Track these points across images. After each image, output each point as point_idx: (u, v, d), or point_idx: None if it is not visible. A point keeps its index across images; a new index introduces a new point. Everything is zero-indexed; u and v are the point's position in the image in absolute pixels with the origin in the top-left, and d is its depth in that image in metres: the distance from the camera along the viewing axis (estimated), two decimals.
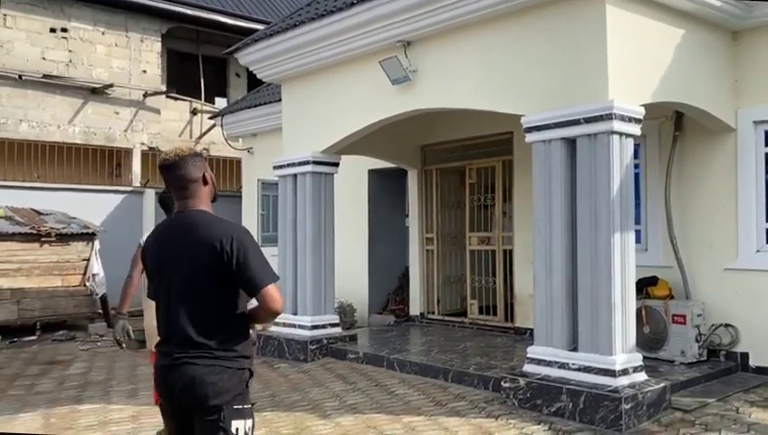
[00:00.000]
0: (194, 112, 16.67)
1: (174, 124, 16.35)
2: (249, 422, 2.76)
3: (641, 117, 5.45)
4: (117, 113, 15.09)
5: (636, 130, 5.43)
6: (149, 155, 15.45)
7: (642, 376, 5.34)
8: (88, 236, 11.21)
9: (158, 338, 2.86)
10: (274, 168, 8.58)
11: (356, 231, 10.42)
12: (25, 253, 10.50)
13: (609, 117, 5.21)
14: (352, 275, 10.25)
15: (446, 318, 9.41)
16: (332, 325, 8.17)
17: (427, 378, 6.72)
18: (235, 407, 2.72)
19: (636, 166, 7.02)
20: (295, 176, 8.26)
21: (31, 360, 8.72)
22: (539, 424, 5.21)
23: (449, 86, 6.58)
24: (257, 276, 2.70)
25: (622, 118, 5.27)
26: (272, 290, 2.73)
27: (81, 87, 14.55)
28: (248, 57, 8.58)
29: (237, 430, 2.71)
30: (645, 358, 6.53)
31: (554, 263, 5.61)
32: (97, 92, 14.74)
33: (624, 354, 5.27)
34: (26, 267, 10.48)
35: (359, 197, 10.52)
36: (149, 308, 4.41)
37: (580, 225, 5.44)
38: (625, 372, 5.21)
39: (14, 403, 6.40)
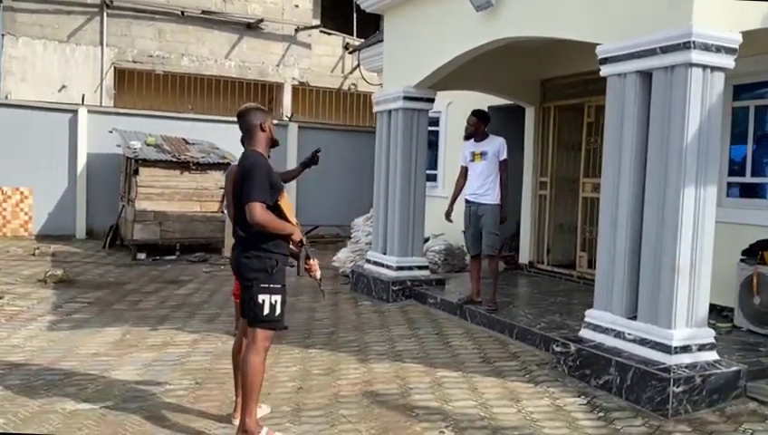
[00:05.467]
0: (346, 47, 16.76)
1: (326, 59, 16.61)
2: (275, 298, 3.79)
3: (736, 46, 4.44)
4: (270, 48, 15.61)
5: (728, 61, 4.44)
6: (300, 90, 15.91)
7: (710, 356, 4.53)
8: (225, 166, 11.79)
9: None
10: (373, 103, 8.35)
11: None
12: (167, 179, 11.34)
13: (687, 45, 4.30)
14: None
15: (555, 269, 8.76)
16: (419, 268, 7.93)
17: (492, 332, 6.30)
18: (262, 285, 3.77)
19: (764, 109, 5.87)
20: (390, 112, 7.98)
21: (156, 278, 9.49)
22: (579, 396, 4.66)
23: (530, 13, 5.87)
24: (247, 193, 3.71)
25: (706, 47, 4.33)
26: (252, 205, 3.68)
27: (236, 22, 15.22)
28: None
29: (263, 301, 3.77)
30: (753, 333, 5.68)
31: (620, 217, 4.88)
32: (251, 27, 15.32)
33: (688, 329, 4.49)
34: (168, 192, 11.34)
35: None
36: None
37: (650, 175, 4.64)
38: (686, 349, 4.45)
39: (109, 318, 6.97)
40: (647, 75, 4.69)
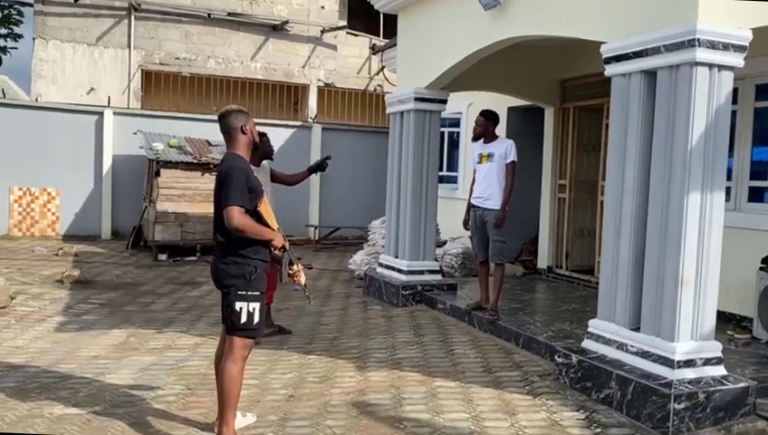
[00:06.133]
0: (372, 49, 16.66)
1: (353, 61, 16.53)
2: (253, 305, 3.71)
3: (746, 43, 4.19)
4: (295, 50, 15.60)
5: (736, 60, 4.20)
6: (325, 91, 15.87)
7: (717, 371, 4.28)
8: None
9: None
10: (386, 105, 8.24)
11: None
12: (188, 180, 11.38)
13: (692, 43, 4.07)
14: None
15: (574, 275, 8.51)
16: (431, 272, 7.77)
17: (498, 340, 6.13)
18: (239, 292, 3.70)
19: None
20: (402, 113, 7.85)
21: (173, 279, 9.52)
22: (578, 411, 4.46)
23: (536, 12, 5.68)
24: (225, 197, 3.63)
25: (712, 45, 4.09)
26: (230, 209, 3.59)
27: (262, 24, 15.25)
28: None
29: (241, 309, 3.70)
30: None
31: (623, 224, 4.66)
32: (277, 29, 15.34)
33: (692, 342, 4.25)
34: (189, 194, 11.38)
35: None
36: None
37: (653, 180, 4.42)
38: (689, 363, 4.22)
39: (118, 319, 6.98)
40: (651, 75, 4.47)
